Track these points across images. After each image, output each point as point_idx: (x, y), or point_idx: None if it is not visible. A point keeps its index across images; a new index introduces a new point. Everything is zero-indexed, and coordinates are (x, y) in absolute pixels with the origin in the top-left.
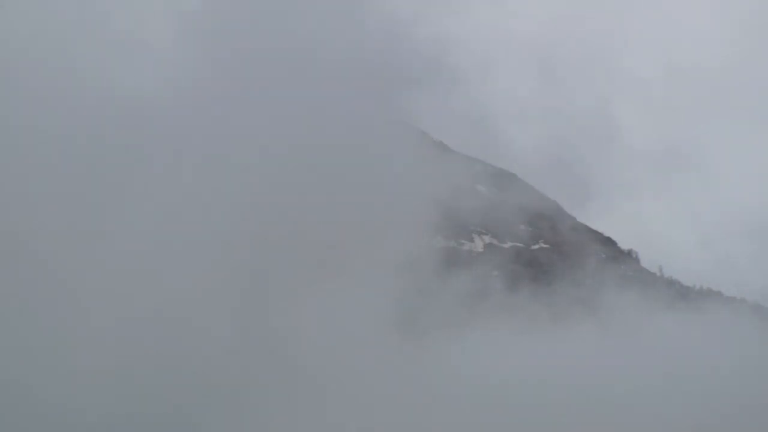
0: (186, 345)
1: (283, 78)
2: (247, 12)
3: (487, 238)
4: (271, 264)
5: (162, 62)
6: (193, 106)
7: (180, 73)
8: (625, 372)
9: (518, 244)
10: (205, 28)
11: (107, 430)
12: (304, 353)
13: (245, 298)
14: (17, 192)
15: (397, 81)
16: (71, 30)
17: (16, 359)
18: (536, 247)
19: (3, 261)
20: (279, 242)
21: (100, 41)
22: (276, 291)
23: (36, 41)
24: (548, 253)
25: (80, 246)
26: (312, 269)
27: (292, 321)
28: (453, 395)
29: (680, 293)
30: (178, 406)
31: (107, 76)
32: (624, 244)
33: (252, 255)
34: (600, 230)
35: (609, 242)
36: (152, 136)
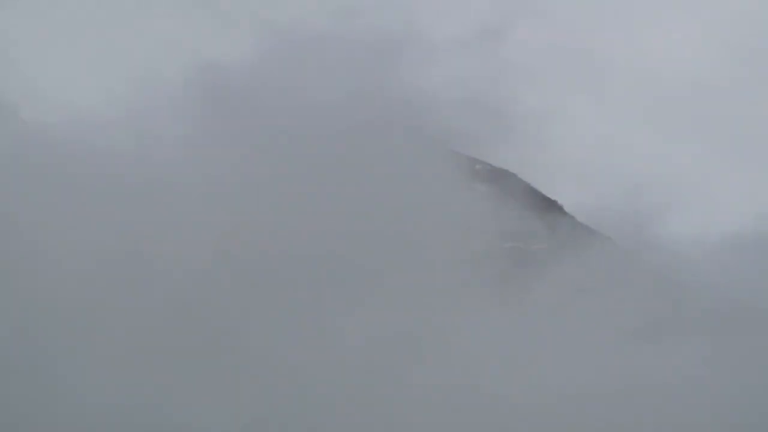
0: (202, 343)
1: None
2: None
3: (487, 238)
4: (283, 265)
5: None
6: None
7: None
8: (624, 371)
9: (518, 244)
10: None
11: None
12: (315, 355)
13: (263, 300)
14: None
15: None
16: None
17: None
18: (536, 247)
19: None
20: (287, 243)
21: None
22: (289, 293)
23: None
24: (548, 253)
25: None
26: (325, 273)
27: (304, 322)
28: (451, 394)
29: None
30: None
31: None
32: (624, 245)
33: (269, 257)
34: (600, 230)
35: (609, 242)
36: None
